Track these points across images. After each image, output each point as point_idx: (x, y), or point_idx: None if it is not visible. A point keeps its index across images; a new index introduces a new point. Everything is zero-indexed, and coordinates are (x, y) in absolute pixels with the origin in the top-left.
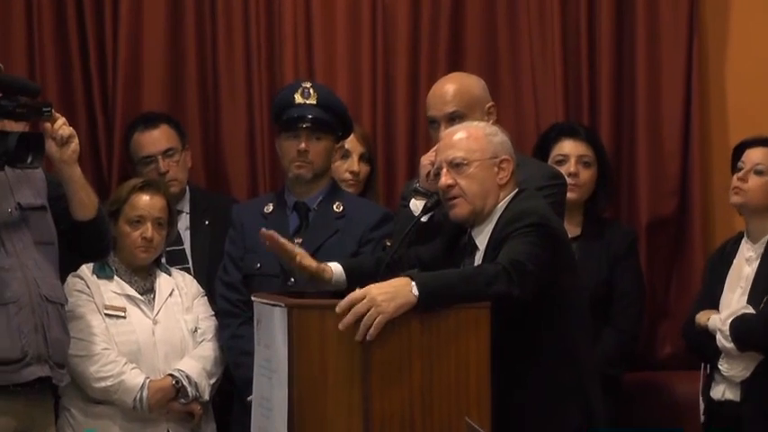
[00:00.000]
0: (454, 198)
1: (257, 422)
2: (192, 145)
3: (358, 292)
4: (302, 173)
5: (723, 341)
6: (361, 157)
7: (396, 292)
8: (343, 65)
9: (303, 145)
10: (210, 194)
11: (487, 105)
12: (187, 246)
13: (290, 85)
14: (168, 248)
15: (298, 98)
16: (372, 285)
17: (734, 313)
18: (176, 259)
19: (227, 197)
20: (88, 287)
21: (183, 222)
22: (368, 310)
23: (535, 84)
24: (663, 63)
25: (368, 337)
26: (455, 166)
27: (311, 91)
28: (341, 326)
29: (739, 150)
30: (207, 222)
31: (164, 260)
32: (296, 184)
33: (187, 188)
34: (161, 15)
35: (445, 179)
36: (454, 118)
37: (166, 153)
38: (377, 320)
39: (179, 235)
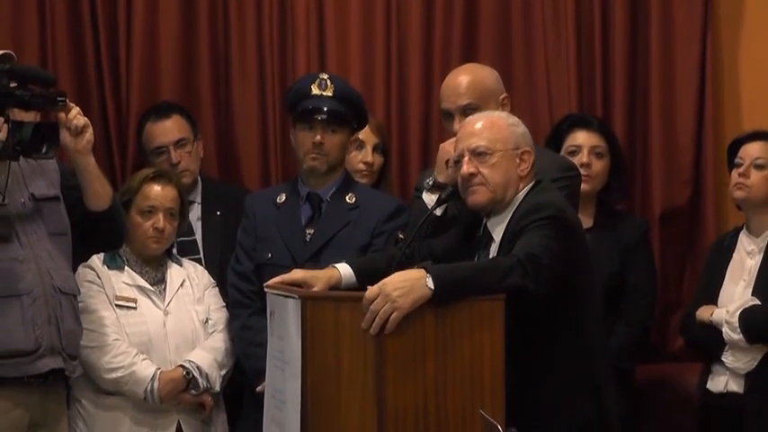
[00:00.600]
0: (475, 186)
1: (270, 414)
2: (206, 136)
3: (373, 289)
4: (317, 165)
5: (731, 333)
6: (376, 148)
7: (411, 286)
8: (357, 55)
9: (319, 137)
10: (223, 185)
11: (501, 96)
12: (198, 236)
13: (307, 75)
14: (179, 239)
15: (314, 89)
16: (387, 279)
17: (742, 306)
18: (188, 250)
19: (240, 188)
20: (99, 278)
21: (195, 213)
22: (384, 307)
23: (549, 75)
24: (676, 54)
25: (385, 332)
26: (478, 154)
27: (328, 83)
28: (364, 324)
29: (735, 146)
30: (219, 213)
31: (175, 251)
32: (310, 175)
33: (199, 178)
34: (175, 7)
35: (467, 167)
36: (468, 110)
37: (178, 143)
38: (393, 317)
39: (190, 225)
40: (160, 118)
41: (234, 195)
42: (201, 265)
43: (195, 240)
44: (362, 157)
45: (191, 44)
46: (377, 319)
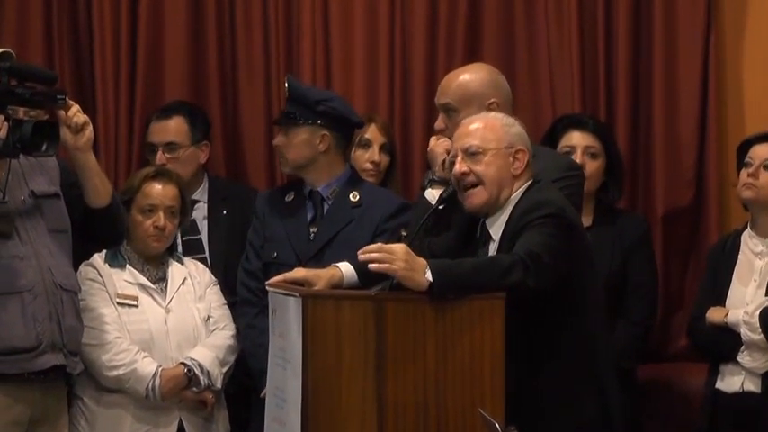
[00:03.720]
0: (470, 186)
1: (271, 412)
2: (213, 136)
3: (389, 245)
4: (282, 167)
5: (750, 334)
6: (382, 148)
7: (414, 266)
8: (361, 56)
9: (275, 141)
10: (230, 184)
11: (488, 102)
12: (204, 236)
13: None
14: (185, 238)
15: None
16: (403, 247)
17: (760, 306)
18: (193, 249)
19: (247, 187)
20: (100, 276)
21: (201, 212)
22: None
23: (552, 74)
24: (679, 53)
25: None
26: (471, 154)
27: (286, 86)
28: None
29: (745, 147)
30: (225, 212)
31: (180, 250)
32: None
33: (206, 178)
34: (182, 8)
35: (460, 167)
36: (447, 110)
37: (168, 146)
38: (386, 266)
39: (196, 225)
40: (161, 117)
41: (241, 195)
42: (206, 264)
43: (200, 239)
44: (369, 157)
45: (199, 45)
46: (375, 256)
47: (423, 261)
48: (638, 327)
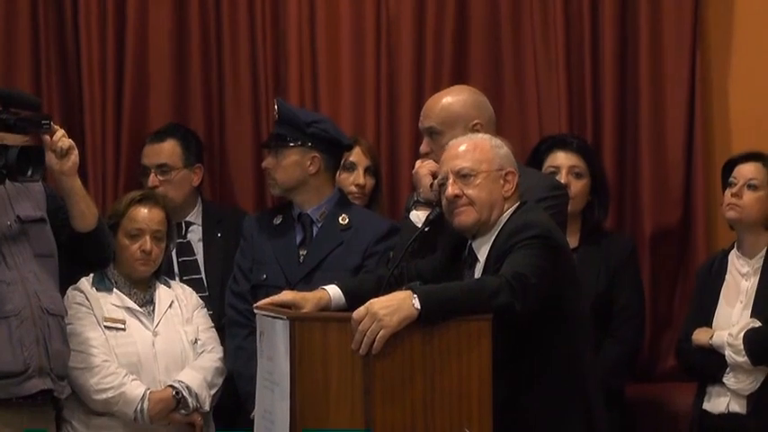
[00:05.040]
0: (461, 207)
1: None
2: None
3: (360, 310)
4: (271, 189)
5: (734, 356)
6: (367, 170)
7: (398, 305)
8: (348, 79)
9: (264, 163)
10: (223, 207)
11: (472, 123)
12: (200, 257)
13: None
14: (180, 259)
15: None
16: (374, 300)
17: (744, 328)
18: (189, 270)
19: (240, 209)
20: (87, 300)
21: (196, 234)
22: (371, 326)
23: (539, 96)
24: (666, 74)
25: (372, 351)
26: (462, 176)
27: (276, 108)
28: (354, 345)
29: (729, 166)
30: (219, 235)
31: (176, 270)
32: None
33: (200, 201)
34: (165, 29)
35: (452, 189)
36: (431, 133)
37: (160, 168)
38: (380, 335)
39: (191, 246)
40: (155, 140)
41: (234, 217)
42: (203, 285)
43: (196, 260)
44: (354, 179)
45: (184, 69)
46: (365, 338)
47: (403, 293)
48: (625, 346)
